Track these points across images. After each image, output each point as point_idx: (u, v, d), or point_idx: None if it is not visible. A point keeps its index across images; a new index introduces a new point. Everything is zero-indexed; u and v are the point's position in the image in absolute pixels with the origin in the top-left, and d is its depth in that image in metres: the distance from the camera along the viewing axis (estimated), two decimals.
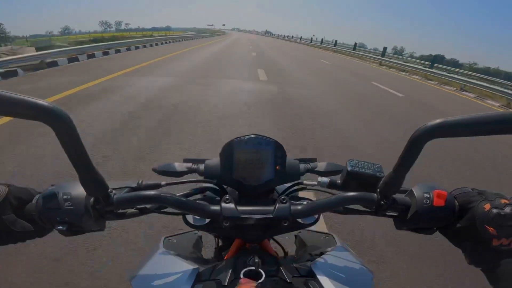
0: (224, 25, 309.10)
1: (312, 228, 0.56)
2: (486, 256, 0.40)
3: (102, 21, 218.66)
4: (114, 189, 0.43)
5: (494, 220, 0.37)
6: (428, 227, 0.45)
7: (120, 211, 0.44)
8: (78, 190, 0.40)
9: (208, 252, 0.75)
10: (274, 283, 0.44)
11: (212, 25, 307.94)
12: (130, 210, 0.46)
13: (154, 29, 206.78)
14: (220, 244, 0.78)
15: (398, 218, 0.46)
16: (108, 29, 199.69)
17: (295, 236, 0.73)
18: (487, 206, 0.38)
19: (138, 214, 0.47)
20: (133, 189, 0.47)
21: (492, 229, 0.37)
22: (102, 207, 0.40)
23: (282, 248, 0.70)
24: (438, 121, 0.35)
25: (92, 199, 0.40)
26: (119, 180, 0.48)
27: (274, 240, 0.67)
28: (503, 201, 0.38)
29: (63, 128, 0.31)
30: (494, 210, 0.37)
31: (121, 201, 0.41)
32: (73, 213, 0.39)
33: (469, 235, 0.41)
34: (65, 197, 0.39)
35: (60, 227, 0.39)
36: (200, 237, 0.72)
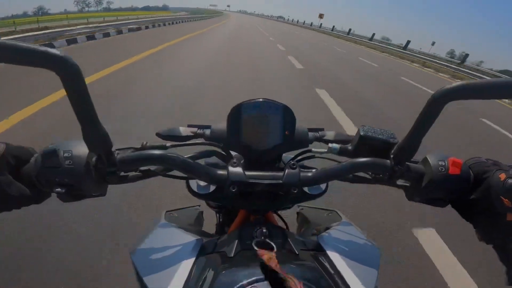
0: (228, 6, 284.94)
1: (315, 204, 0.55)
2: (499, 232, 0.38)
3: None
4: (117, 149, 0.41)
5: (510, 190, 0.36)
6: (441, 198, 0.43)
7: (123, 173, 0.42)
8: (80, 148, 0.37)
9: (209, 228, 0.74)
10: (282, 255, 0.42)
11: (216, 5, 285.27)
12: (133, 173, 0.43)
13: (147, 8, 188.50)
14: (221, 219, 0.77)
15: (411, 188, 0.45)
16: (87, 8, 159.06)
17: (297, 213, 0.72)
18: (502, 176, 0.37)
19: (142, 177, 0.44)
20: (137, 150, 0.44)
21: (507, 200, 0.36)
22: (105, 166, 0.38)
23: (285, 223, 0.69)
24: (456, 84, 0.35)
25: (94, 158, 0.38)
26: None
27: (277, 214, 0.67)
28: None
29: (71, 77, 0.30)
30: (510, 180, 0.36)
31: (125, 160, 0.39)
32: (73, 173, 0.36)
33: (482, 208, 0.40)
34: (65, 154, 0.36)
35: (59, 189, 0.36)
36: (201, 212, 0.71)
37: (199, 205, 0.73)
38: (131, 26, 13.30)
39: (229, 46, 10.99)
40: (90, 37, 9.11)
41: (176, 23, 21.97)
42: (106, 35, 10.30)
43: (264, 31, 24.15)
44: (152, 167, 0.44)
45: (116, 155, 0.39)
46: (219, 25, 26.72)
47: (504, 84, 0.34)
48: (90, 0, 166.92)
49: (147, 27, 15.13)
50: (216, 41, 12.30)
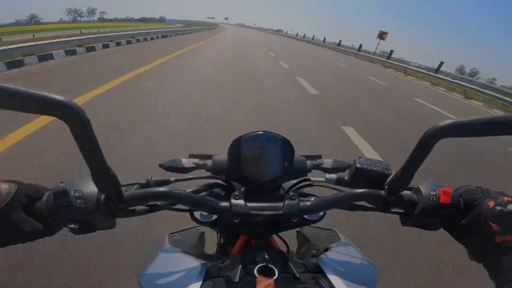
0: (226, 18, 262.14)
1: (315, 224, 0.57)
2: (489, 252, 0.41)
3: (70, 8, 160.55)
4: (124, 185, 0.43)
5: (498, 217, 0.39)
6: (433, 224, 0.46)
7: (131, 208, 0.44)
8: (90, 187, 0.39)
9: (210, 247, 0.75)
10: (285, 279, 0.45)
11: (213, 18, 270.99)
12: (140, 207, 0.45)
13: (143, 19, 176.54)
14: (223, 240, 0.78)
15: (405, 215, 0.48)
16: (79, 18, 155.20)
17: (297, 232, 0.74)
18: (491, 204, 0.40)
19: (148, 211, 0.46)
20: (142, 185, 0.47)
21: (495, 225, 0.39)
22: (114, 204, 0.40)
23: (286, 244, 0.71)
24: (448, 121, 0.37)
25: (103, 196, 0.40)
26: (128, 175, 0.47)
27: (278, 236, 0.68)
28: (505, 198, 0.40)
29: (78, 123, 0.31)
30: (498, 208, 0.39)
31: (133, 197, 0.41)
32: (85, 211, 0.38)
33: (473, 231, 0.42)
34: (76, 194, 0.38)
35: (72, 226, 0.38)
36: (203, 233, 0.72)
37: (200, 226, 0.74)
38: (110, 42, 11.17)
39: (226, 68, 8.84)
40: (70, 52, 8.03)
41: (170, 35, 20.53)
42: (71, 52, 8.38)
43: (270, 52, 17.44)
44: (158, 202, 0.46)
45: (123, 192, 0.41)
46: (216, 38, 23.56)
47: (495, 121, 0.35)
48: (83, 10, 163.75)
49: (127, 42, 12.48)
50: (212, 58, 10.77)
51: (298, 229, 0.73)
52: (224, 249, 0.74)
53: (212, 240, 0.84)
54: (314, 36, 47.08)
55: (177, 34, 23.52)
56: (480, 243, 0.42)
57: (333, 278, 0.45)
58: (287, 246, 0.69)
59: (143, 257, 0.52)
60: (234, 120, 4.12)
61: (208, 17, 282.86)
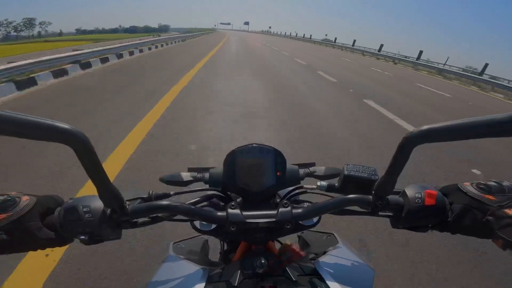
0: (247, 23, 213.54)
1: (314, 228, 0.60)
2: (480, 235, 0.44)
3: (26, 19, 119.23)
4: (127, 200, 0.47)
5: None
6: (422, 225, 0.48)
7: (134, 220, 0.48)
8: (96, 203, 0.43)
9: (214, 255, 0.78)
10: (281, 282, 0.48)
11: (229, 24, 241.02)
12: (143, 219, 0.49)
13: (132, 29, 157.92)
14: (226, 247, 0.81)
15: (394, 218, 0.50)
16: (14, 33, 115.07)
17: (298, 236, 0.76)
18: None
19: (151, 223, 0.50)
20: (144, 199, 0.50)
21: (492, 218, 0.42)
22: (119, 217, 0.44)
23: None
24: (423, 127, 0.38)
25: (109, 210, 0.44)
26: (131, 190, 0.51)
27: (278, 241, 0.71)
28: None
29: (83, 149, 0.35)
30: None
31: (136, 211, 0.45)
32: (93, 224, 0.43)
33: (460, 227, 0.45)
34: (85, 209, 0.43)
35: (82, 237, 0.43)
36: (207, 241, 0.75)
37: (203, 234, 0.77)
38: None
39: None
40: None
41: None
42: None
43: None
44: (160, 214, 0.50)
45: (127, 205, 0.44)
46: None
47: (469, 125, 0.36)
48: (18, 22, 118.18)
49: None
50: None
51: (299, 234, 0.75)
52: (226, 256, 0.77)
53: (215, 248, 0.87)
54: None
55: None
56: (471, 231, 0.45)
57: (329, 280, 0.48)
58: None
59: (151, 268, 0.55)
60: None
61: (221, 23, 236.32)
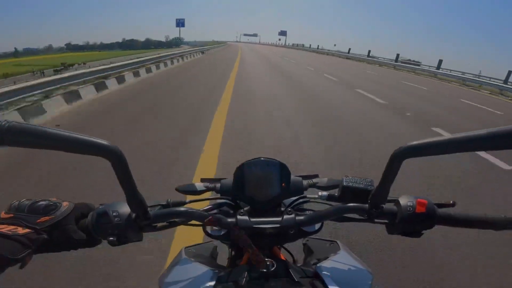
0: (283, 33, 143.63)
1: (318, 236, 0.64)
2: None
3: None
4: (150, 206, 0.53)
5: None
6: (415, 231, 0.53)
7: (154, 224, 0.54)
8: (123, 208, 0.50)
9: (222, 261, 0.84)
10: (284, 282, 0.52)
11: (256, 35, 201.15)
12: (162, 223, 0.55)
13: (131, 43, 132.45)
14: (234, 253, 0.86)
15: (389, 224, 0.55)
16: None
17: (303, 244, 0.81)
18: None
19: (168, 227, 0.56)
20: (163, 206, 0.56)
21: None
22: (142, 221, 0.50)
23: (291, 255, 0.78)
24: (412, 143, 0.43)
25: (134, 215, 0.50)
26: (152, 199, 0.57)
27: (284, 248, 0.76)
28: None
29: (118, 162, 0.42)
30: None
31: (157, 216, 0.51)
32: (121, 226, 0.49)
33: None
34: (114, 213, 0.49)
35: (111, 238, 0.48)
36: (216, 247, 0.80)
37: (213, 240, 0.83)
38: None
39: None
40: None
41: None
42: None
43: None
44: (177, 219, 0.56)
45: (149, 211, 0.51)
46: None
47: (457, 140, 0.40)
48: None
49: None
50: None
51: (304, 241, 0.80)
52: (234, 262, 0.82)
53: (224, 254, 0.92)
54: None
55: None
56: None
57: (328, 281, 0.53)
58: (293, 257, 0.77)
59: (165, 270, 0.61)
60: None
61: (245, 34, 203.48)
